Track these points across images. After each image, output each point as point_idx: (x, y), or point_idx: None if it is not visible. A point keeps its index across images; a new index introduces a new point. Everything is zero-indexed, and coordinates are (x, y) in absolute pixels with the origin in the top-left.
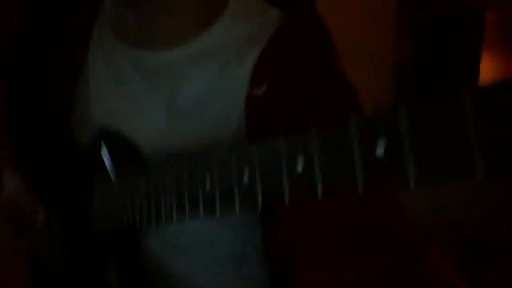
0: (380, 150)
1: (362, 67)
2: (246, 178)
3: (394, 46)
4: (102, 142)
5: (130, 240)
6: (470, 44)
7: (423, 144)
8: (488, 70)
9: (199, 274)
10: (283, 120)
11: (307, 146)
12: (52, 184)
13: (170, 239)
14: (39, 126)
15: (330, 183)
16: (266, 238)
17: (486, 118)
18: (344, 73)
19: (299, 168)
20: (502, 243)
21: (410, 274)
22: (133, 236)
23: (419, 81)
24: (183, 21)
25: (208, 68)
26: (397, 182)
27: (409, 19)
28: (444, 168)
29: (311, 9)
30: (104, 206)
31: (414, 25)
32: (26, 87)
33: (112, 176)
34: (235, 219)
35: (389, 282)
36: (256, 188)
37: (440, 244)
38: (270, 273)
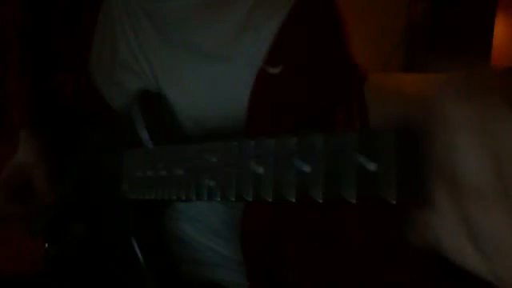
0: (372, 167)
1: (373, 27)
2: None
3: (406, 5)
4: (137, 108)
5: (155, 210)
6: (484, 3)
7: (401, 168)
8: (502, 30)
9: (220, 248)
10: (289, 101)
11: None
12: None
13: (179, 206)
14: (55, 92)
15: (329, 190)
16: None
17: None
18: (352, 56)
19: (306, 169)
20: None
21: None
22: (158, 207)
23: (431, 41)
24: None
25: (221, 24)
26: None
27: None
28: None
29: None
30: (137, 173)
31: None
32: (41, 53)
33: (149, 142)
34: None
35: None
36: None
37: None
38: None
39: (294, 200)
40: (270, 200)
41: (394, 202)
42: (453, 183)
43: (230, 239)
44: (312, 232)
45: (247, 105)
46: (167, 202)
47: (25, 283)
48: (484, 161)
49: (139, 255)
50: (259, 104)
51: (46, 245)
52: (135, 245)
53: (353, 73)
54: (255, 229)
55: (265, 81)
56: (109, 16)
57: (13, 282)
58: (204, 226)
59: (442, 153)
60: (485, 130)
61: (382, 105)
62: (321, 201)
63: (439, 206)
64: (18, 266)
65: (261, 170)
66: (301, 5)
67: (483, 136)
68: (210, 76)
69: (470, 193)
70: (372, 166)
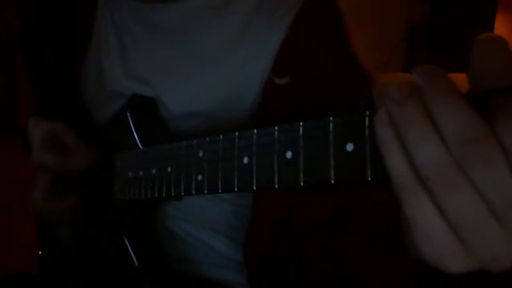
0: (349, 148)
1: (373, 27)
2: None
3: (406, 5)
4: (128, 111)
5: (147, 209)
6: (484, 3)
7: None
8: (502, 30)
9: (222, 248)
10: (300, 109)
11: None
12: None
13: (181, 205)
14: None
15: (309, 173)
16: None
17: None
18: (358, 57)
19: (288, 155)
20: None
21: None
22: (149, 206)
23: (431, 41)
24: None
25: (221, 28)
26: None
27: None
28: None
29: None
30: (129, 174)
31: None
32: (43, 64)
33: (139, 144)
34: (236, 197)
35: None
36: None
37: None
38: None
39: (276, 186)
40: (254, 188)
41: (370, 179)
42: (421, 178)
43: (233, 239)
44: (322, 244)
45: (256, 114)
46: (158, 200)
47: (23, 283)
48: (438, 149)
49: (132, 254)
50: (269, 113)
51: (40, 252)
52: (128, 244)
53: (360, 74)
54: (260, 233)
55: (273, 91)
56: (96, 37)
57: (11, 281)
58: (206, 226)
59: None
60: (431, 122)
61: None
62: (302, 184)
63: (414, 202)
64: (17, 265)
65: (245, 160)
66: (304, 14)
67: (430, 126)
68: (210, 79)
69: (438, 182)
70: (349, 147)
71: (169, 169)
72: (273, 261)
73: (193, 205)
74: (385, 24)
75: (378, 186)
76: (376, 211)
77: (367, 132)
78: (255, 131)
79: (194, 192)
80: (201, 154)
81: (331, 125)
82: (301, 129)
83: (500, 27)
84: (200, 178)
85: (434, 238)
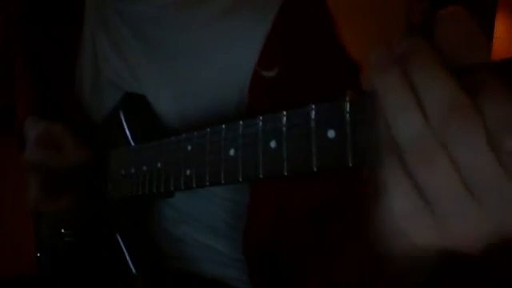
0: (331, 135)
1: (373, 27)
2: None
3: (405, 5)
4: (121, 109)
5: (139, 206)
6: (483, 5)
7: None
8: (503, 30)
9: (220, 247)
10: (290, 101)
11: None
12: None
13: (179, 207)
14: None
15: (293, 162)
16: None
17: None
18: (345, 47)
19: (272, 145)
20: None
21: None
22: (142, 202)
23: (431, 41)
24: None
25: (199, 23)
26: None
27: None
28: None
29: None
30: (121, 172)
31: None
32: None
33: (131, 142)
34: (233, 195)
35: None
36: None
37: None
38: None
39: (261, 176)
40: (240, 179)
41: (351, 165)
42: (396, 152)
43: (231, 238)
44: (314, 240)
45: (244, 108)
46: (151, 197)
47: (23, 283)
48: (417, 119)
49: (125, 253)
50: (258, 106)
51: (38, 254)
52: (121, 243)
53: (349, 64)
54: (257, 229)
55: (261, 83)
56: (89, 35)
57: (11, 282)
58: (204, 226)
59: (382, 121)
60: (412, 92)
61: None
62: (286, 173)
63: (392, 179)
64: (16, 266)
65: (232, 152)
66: (288, 5)
67: (411, 96)
68: (196, 75)
69: (412, 154)
70: (331, 134)
71: (159, 164)
72: (270, 257)
73: (190, 205)
74: (385, 24)
75: (367, 178)
76: (365, 204)
77: (348, 118)
78: (241, 122)
79: (183, 187)
80: (189, 148)
81: (313, 112)
82: (284, 118)
83: (500, 27)
84: (188, 172)
85: (405, 208)
